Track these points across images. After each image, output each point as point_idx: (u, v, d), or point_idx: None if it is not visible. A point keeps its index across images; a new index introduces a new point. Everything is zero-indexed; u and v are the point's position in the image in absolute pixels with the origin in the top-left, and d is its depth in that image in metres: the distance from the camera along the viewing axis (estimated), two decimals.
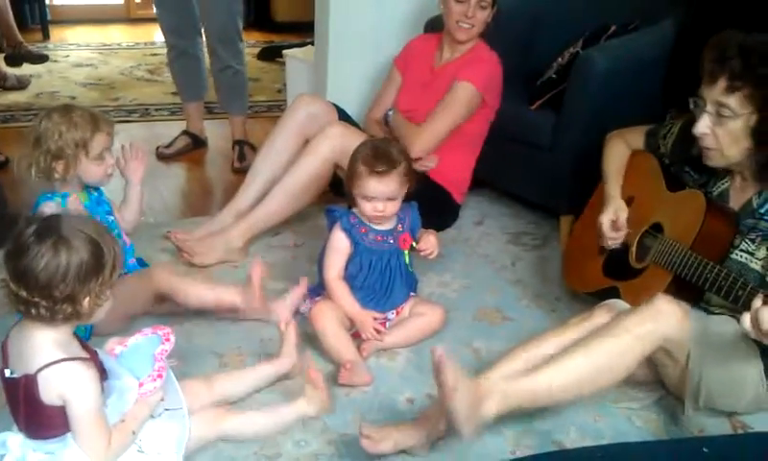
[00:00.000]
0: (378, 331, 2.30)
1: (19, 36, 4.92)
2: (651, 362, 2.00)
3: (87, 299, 1.58)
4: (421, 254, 2.39)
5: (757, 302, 1.62)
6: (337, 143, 2.79)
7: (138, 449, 1.70)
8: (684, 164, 2.27)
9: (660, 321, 1.87)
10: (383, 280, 2.35)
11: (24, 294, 1.54)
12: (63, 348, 1.59)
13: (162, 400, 1.76)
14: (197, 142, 4.01)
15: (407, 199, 2.37)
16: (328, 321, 2.27)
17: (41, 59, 5.02)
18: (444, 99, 3.00)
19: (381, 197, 2.28)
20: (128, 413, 1.68)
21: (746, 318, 1.64)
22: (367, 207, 2.30)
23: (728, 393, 2.00)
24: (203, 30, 3.75)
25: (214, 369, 2.21)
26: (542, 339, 2.03)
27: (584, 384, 1.86)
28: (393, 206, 2.31)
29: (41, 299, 1.54)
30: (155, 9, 3.82)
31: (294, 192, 2.85)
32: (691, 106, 2.09)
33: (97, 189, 2.34)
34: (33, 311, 1.55)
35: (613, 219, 2.34)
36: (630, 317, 1.89)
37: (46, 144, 2.16)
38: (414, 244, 2.38)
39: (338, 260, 2.34)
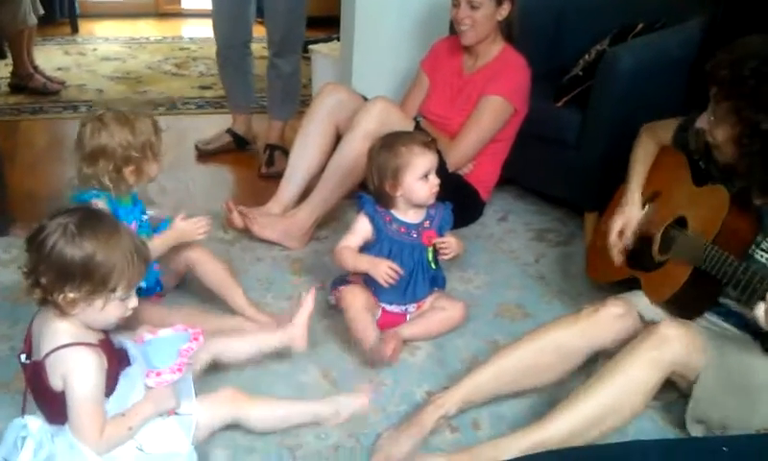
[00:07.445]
0: (392, 275, 2.27)
1: (30, 68, 4.61)
2: None
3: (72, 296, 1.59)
4: (438, 249, 2.36)
5: None
6: (380, 117, 2.79)
7: (138, 447, 1.69)
8: (712, 162, 2.26)
9: (667, 347, 1.86)
10: (405, 273, 2.33)
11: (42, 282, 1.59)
12: (75, 336, 1.61)
13: (174, 411, 1.75)
14: (240, 143, 3.84)
15: (439, 197, 2.36)
16: (357, 301, 2.28)
17: (48, 92, 4.57)
18: (476, 114, 2.99)
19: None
20: (130, 408, 1.67)
21: (761, 308, 1.64)
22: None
23: (744, 413, 1.93)
24: (266, 35, 3.64)
25: None
26: (552, 328, 2.07)
27: (596, 425, 1.84)
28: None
29: (54, 289, 1.58)
30: (212, 10, 3.66)
31: (344, 171, 2.84)
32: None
33: None
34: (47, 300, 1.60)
35: (621, 229, 2.34)
36: (635, 349, 1.87)
37: (119, 152, 2.16)
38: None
39: (352, 239, 2.35)
